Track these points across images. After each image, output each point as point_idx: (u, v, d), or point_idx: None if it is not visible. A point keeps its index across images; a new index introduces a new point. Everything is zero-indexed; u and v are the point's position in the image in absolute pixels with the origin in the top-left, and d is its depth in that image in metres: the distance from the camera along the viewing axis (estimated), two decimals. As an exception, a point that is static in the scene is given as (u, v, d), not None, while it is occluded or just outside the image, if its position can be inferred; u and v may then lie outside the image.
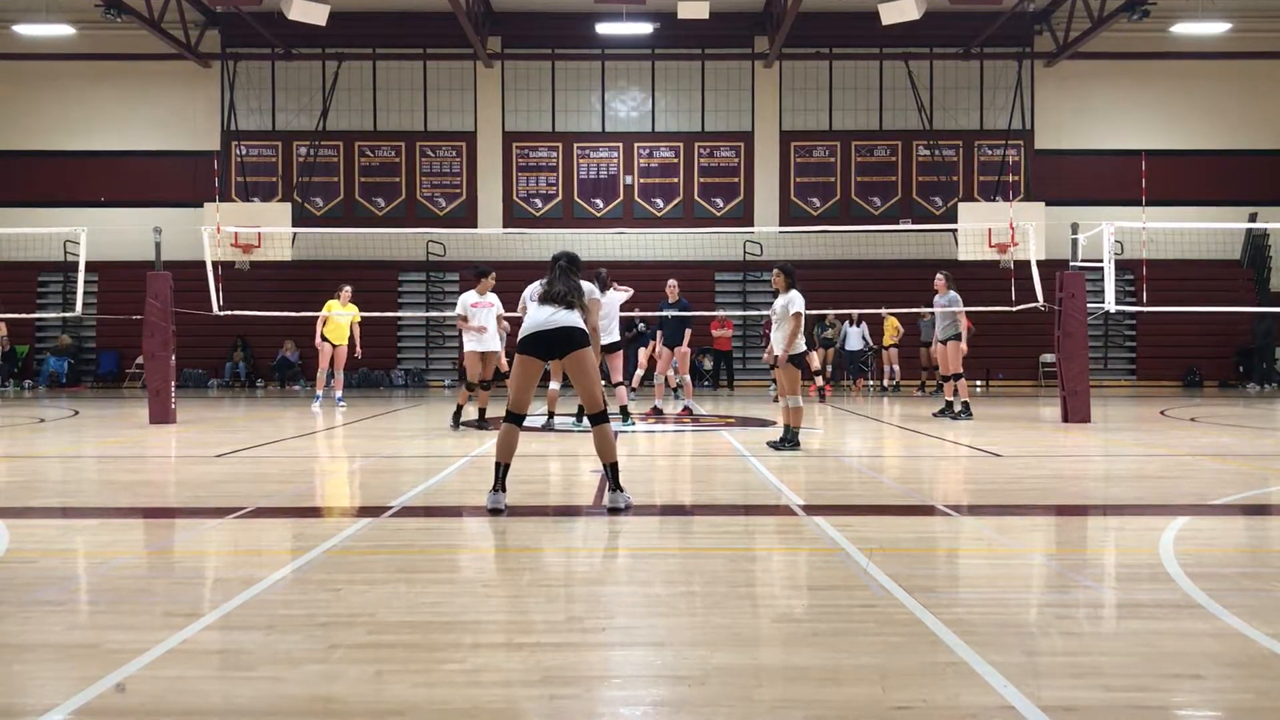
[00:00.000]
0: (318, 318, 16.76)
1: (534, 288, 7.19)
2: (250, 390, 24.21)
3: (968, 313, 15.27)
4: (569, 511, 6.90)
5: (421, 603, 4.44)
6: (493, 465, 6.77)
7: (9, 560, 5.23)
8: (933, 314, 15.15)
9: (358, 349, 16.90)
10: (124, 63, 25.84)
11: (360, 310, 17.16)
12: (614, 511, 6.60)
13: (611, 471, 6.74)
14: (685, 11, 20.30)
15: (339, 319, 16.71)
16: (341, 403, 17.06)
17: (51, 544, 5.92)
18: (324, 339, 16.65)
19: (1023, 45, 26.22)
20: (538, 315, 6.87)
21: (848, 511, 6.81)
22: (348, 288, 17.03)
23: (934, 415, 14.77)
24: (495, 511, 6.55)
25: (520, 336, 6.89)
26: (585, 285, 7.20)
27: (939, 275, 14.87)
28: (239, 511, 6.70)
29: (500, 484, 6.66)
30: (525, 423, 7.01)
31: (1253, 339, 25.11)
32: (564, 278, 7.03)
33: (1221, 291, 23.50)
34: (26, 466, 9.49)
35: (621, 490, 6.73)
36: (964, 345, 14.92)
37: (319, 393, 16.88)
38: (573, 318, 6.85)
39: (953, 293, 14.82)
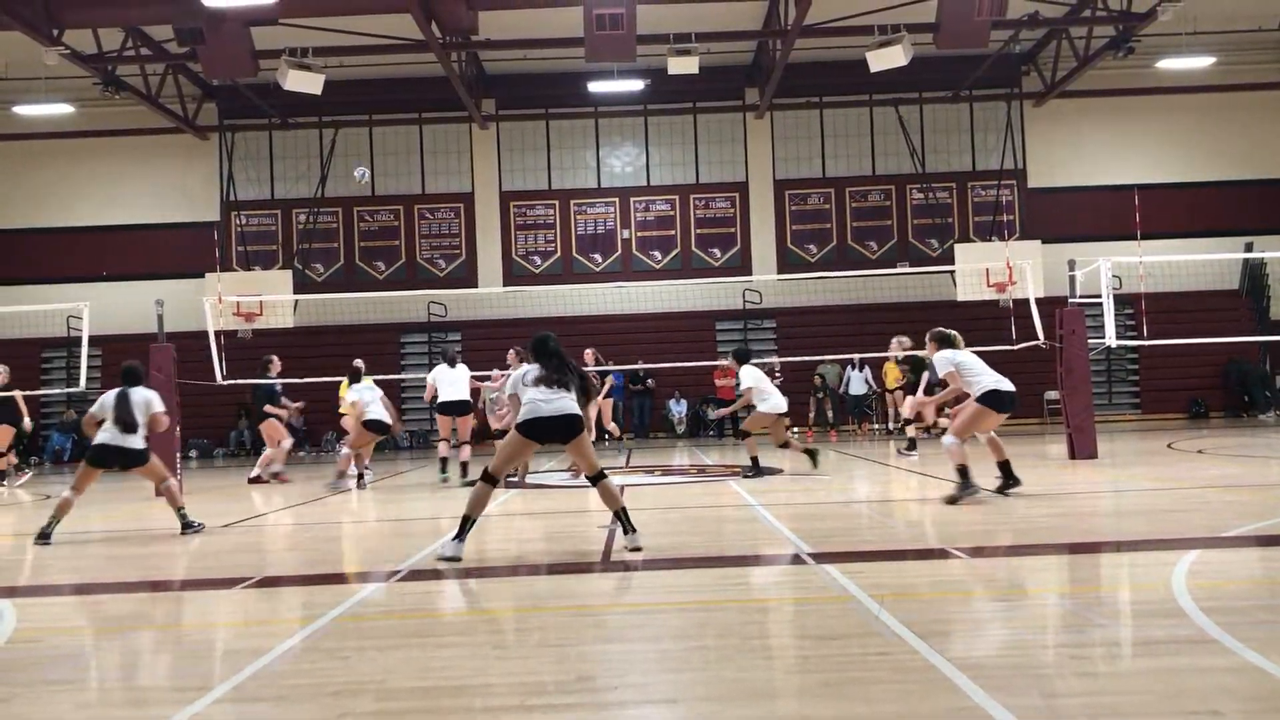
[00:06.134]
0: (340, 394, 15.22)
1: (528, 373, 7.32)
2: (256, 458, 24.16)
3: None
4: (578, 569, 6.86)
5: (431, 667, 4.41)
6: (460, 518, 7.06)
7: (17, 640, 5.20)
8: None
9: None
10: (123, 138, 26.11)
11: (365, 374, 17.03)
12: (635, 550, 6.99)
13: (623, 517, 7.17)
14: (675, 67, 20.52)
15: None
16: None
17: (59, 621, 5.89)
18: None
19: (1011, 86, 26.47)
20: (537, 399, 7.14)
21: (857, 558, 6.77)
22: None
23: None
24: (454, 559, 6.84)
25: (521, 420, 7.19)
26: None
27: (510, 351, 14.44)
28: (247, 581, 6.67)
29: (463, 535, 6.99)
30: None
31: (1236, 374, 25.16)
32: (559, 364, 7.28)
33: (1222, 322, 23.50)
34: (28, 544, 9.45)
35: (635, 531, 7.14)
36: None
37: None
38: (571, 404, 7.18)
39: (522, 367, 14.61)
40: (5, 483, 16.15)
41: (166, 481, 9.31)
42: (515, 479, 13.14)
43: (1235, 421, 23.68)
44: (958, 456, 9.27)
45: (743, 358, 13.10)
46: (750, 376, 12.78)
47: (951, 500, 9.15)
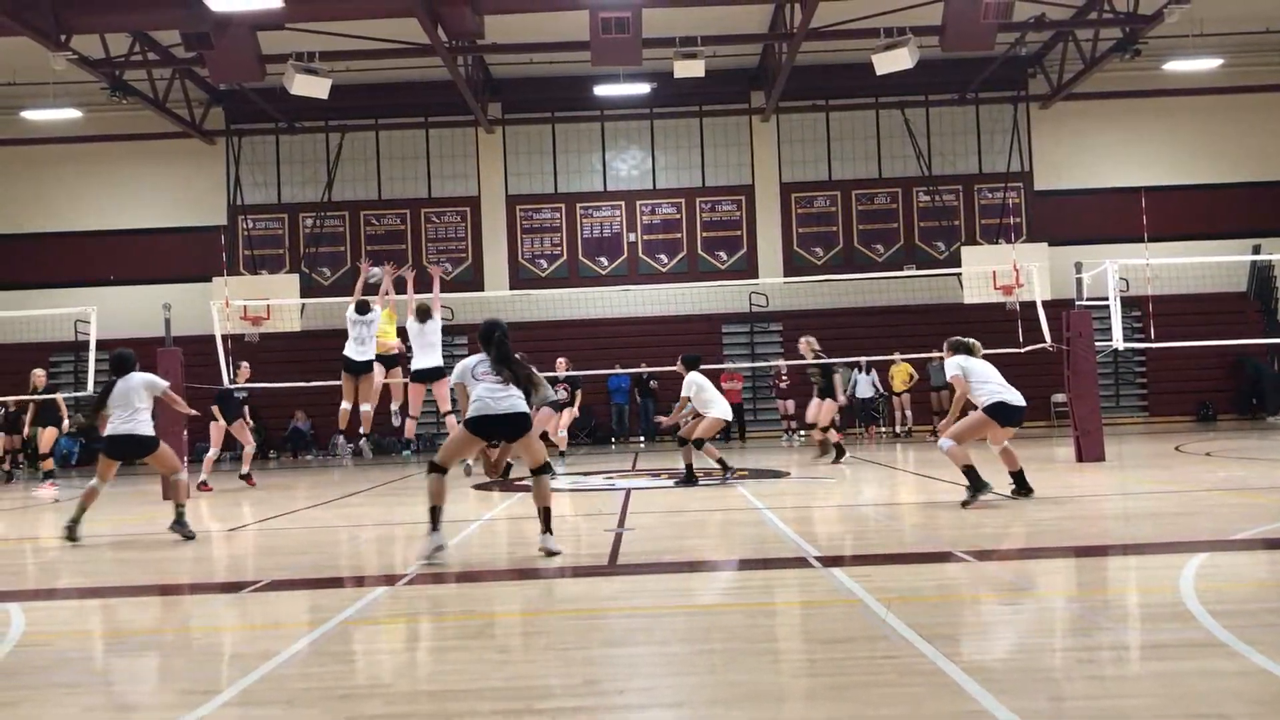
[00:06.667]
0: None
1: (477, 365, 7.28)
2: (263, 461, 24.20)
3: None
4: (584, 572, 6.87)
5: (438, 671, 4.42)
6: (429, 510, 7.12)
7: (25, 644, 5.21)
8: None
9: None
10: (130, 143, 26.17)
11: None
12: (548, 553, 7.08)
13: (545, 516, 7.22)
14: (681, 71, 20.52)
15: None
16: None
17: (67, 625, 5.91)
18: None
19: (1017, 89, 26.44)
20: (485, 397, 7.12)
21: (864, 561, 6.76)
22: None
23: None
24: (438, 550, 6.96)
25: (470, 416, 7.17)
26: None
27: (561, 359, 14.84)
28: (254, 585, 6.68)
29: (436, 524, 7.08)
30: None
31: (1250, 374, 25.09)
32: (507, 358, 7.22)
33: (1230, 324, 23.44)
34: (41, 548, 9.49)
35: (551, 534, 7.21)
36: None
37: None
38: (518, 402, 7.18)
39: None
40: (52, 482, 16.24)
41: (177, 474, 9.23)
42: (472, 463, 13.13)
43: (1244, 424, 23.61)
44: (960, 458, 9.10)
45: (690, 363, 12.90)
46: (692, 384, 12.58)
47: (966, 504, 9.01)
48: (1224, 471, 12.20)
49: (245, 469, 15.36)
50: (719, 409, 12.56)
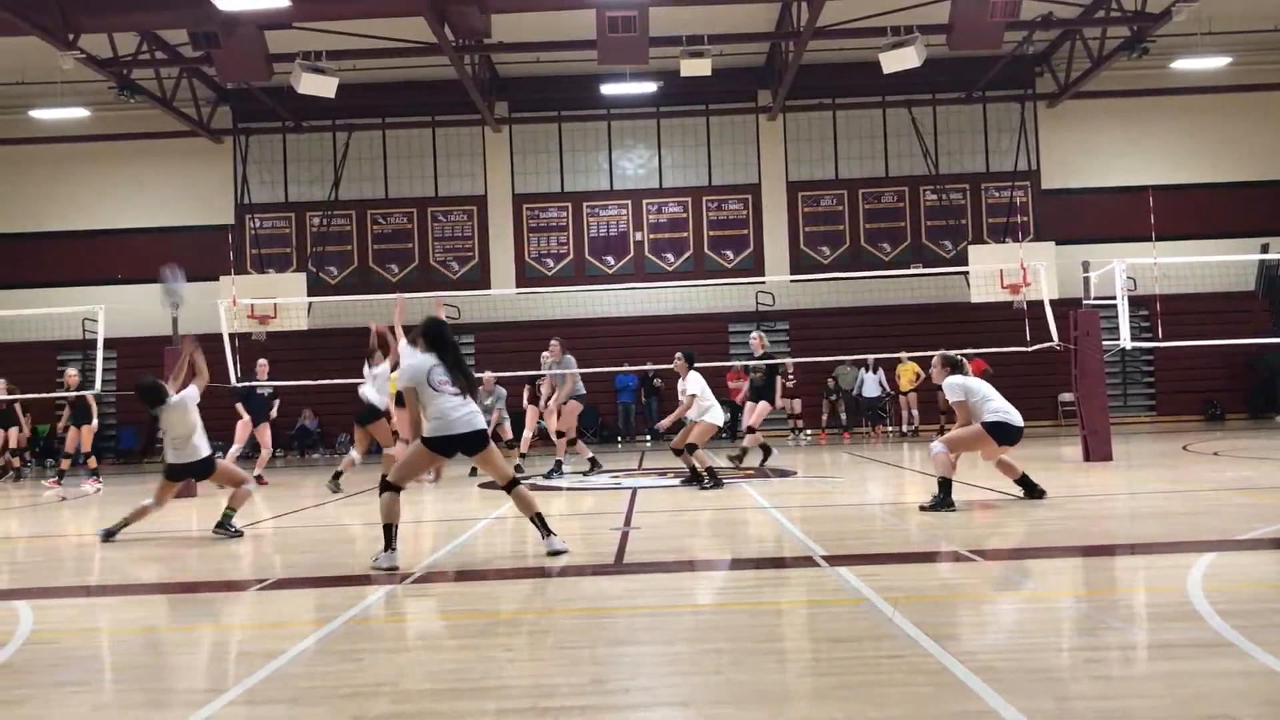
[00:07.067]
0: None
1: (431, 371, 6.98)
2: (270, 460, 24.21)
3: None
4: (590, 571, 6.86)
5: (444, 669, 4.42)
6: (384, 529, 6.99)
7: (32, 642, 5.22)
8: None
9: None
10: (138, 142, 26.22)
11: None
12: (554, 554, 7.05)
13: (539, 522, 7.20)
14: (688, 69, 20.53)
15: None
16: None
17: (74, 623, 5.92)
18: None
19: (1024, 87, 26.38)
20: (447, 411, 6.95)
21: (871, 560, 6.75)
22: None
23: (544, 476, 14.25)
24: (392, 569, 6.78)
25: (431, 435, 6.98)
26: (569, 359, 7.63)
27: (554, 341, 14.60)
28: (261, 584, 6.69)
29: (392, 543, 6.94)
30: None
31: (1264, 371, 25.00)
32: (461, 363, 7.08)
33: (1238, 323, 23.36)
34: (49, 546, 9.52)
35: (554, 534, 7.19)
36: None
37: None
38: (478, 416, 7.13)
39: (568, 357, 14.34)
40: (96, 479, 16.32)
41: (245, 485, 9.29)
42: (432, 480, 13.67)
43: (1251, 423, 23.54)
44: (943, 467, 9.04)
45: (692, 360, 12.55)
46: (697, 383, 12.19)
47: (925, 509, 8.90)
48: (1232, 471, 12.17)
49: (258, 470, 15.52)
50: (714, 414, 12.33)
